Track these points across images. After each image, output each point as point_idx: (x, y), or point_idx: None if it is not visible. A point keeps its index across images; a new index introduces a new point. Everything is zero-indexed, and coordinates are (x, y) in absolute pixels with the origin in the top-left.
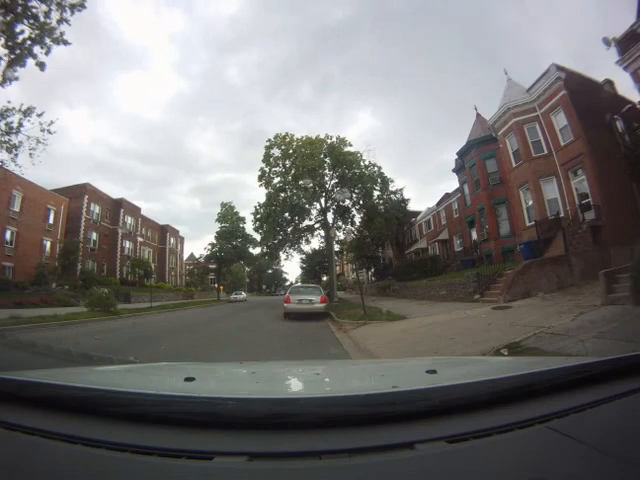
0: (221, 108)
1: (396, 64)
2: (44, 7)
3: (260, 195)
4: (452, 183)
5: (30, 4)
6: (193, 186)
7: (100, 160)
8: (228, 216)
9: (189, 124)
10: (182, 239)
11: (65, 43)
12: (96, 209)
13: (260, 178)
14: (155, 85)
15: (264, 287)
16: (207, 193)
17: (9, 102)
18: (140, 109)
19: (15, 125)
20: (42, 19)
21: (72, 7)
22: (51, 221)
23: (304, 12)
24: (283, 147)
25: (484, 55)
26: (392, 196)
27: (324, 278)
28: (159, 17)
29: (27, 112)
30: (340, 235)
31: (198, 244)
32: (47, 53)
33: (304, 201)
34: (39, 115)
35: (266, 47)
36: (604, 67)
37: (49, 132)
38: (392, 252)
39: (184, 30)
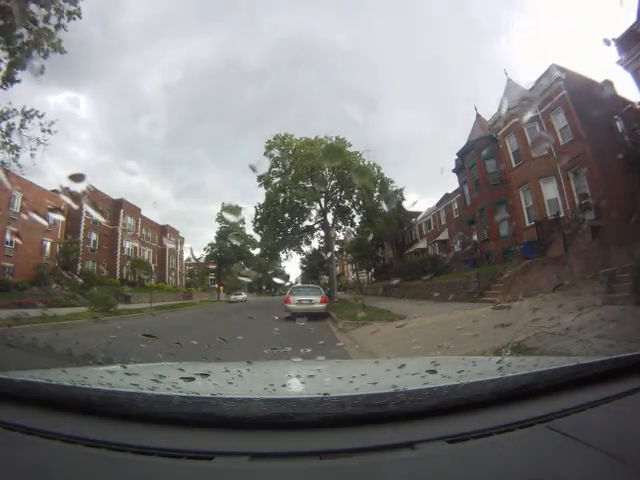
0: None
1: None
2: (43, 11)
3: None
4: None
5: (29, 9)
6: (163, 214)
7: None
8: (227, 216)
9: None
10: (182, 239)
11: (61, 51)
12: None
13: (259, 178)
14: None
15: (264, 287)
16: (175, 219)
17: (10, 103)
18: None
19: (17, 126)
20: (41, 24)
21: (69, 14)
22: (51, 221)
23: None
24: (282, 147)
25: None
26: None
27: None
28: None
29: (28, 114)
30: (340, 236)
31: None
32: (45, 57)
33: (305, 201)
34: (40, 116)
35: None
36: (604, 67)
37: (49, 132)
38: (392, 252)
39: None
